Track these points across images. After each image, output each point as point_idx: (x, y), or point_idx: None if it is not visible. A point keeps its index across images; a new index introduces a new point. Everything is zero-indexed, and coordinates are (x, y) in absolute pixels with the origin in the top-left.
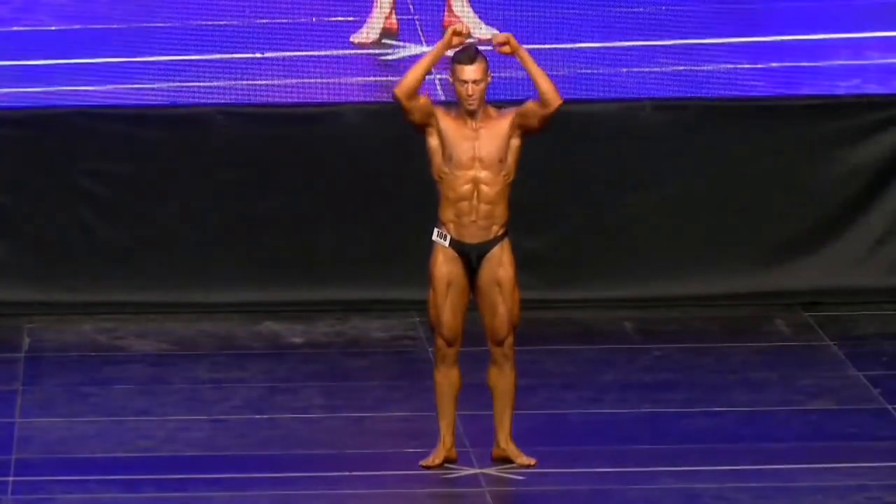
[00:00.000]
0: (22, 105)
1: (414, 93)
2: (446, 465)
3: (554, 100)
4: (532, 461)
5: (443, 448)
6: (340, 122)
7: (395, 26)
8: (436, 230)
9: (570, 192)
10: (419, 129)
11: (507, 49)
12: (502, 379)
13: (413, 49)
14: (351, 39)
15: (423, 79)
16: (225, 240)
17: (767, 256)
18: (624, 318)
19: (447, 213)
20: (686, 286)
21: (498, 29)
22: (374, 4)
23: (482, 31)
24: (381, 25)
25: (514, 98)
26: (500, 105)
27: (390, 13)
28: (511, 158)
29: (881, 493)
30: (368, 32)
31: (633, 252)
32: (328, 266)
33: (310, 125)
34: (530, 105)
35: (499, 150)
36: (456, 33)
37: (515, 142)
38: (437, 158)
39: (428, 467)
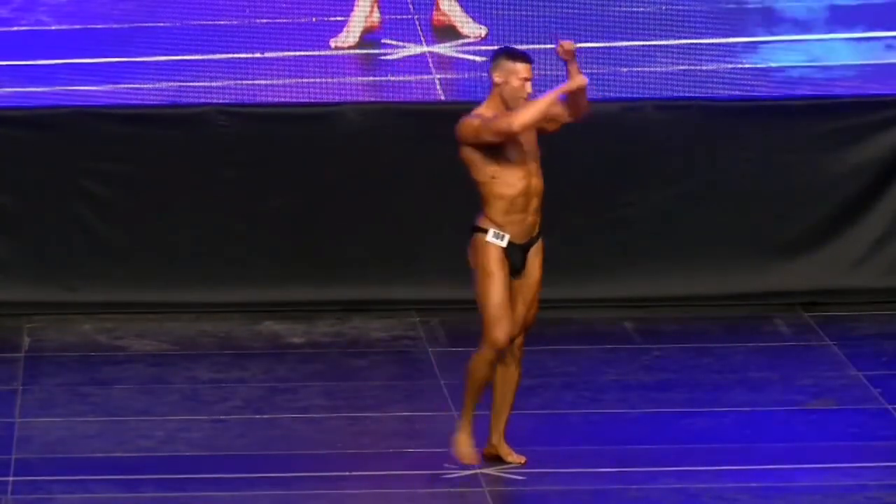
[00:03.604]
0: (22, 105)
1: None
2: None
3: (586, 117)
4: (522, 459)
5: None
6: (340, 122)
7: (377, 24)
8: (491, 231)
9: (571, 192)
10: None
11: (568, 55)
12: (507, 378)
13: (413, 49)
14: (331, 43)
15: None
16: (225, 240)
17: (767, 256)
18: (624, 318)
19: (500, 216)
20: (686, 286)
21: (488, 28)
22: (355, 4)
23: (470, 28)
24: (362, 27)
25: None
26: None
27: (371, 11)
28: None
29: (881, 493)
30: (347, 36)
31: (634, 252)
32: (328, 266)
33: (310, 125)
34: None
35: (536, 143)
36: (565, 51)
37: None
38: (484, 164)
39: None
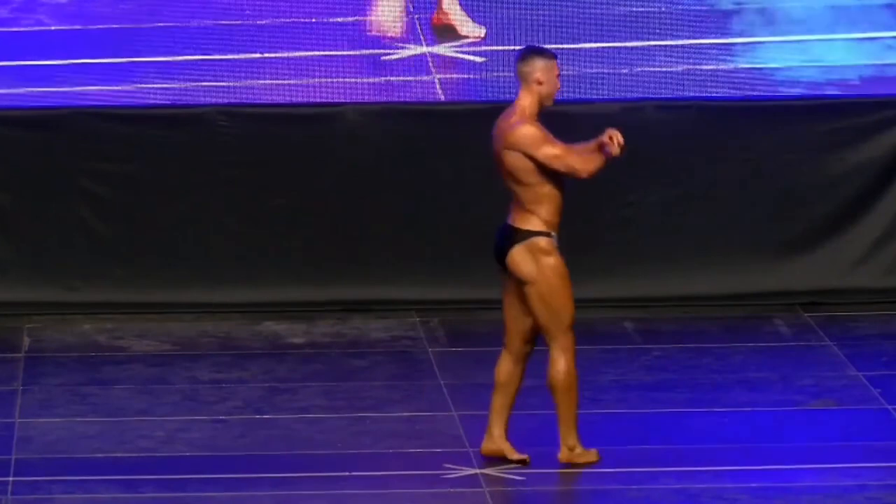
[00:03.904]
0: (22, 105)
1: None
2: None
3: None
4: (526, 457)
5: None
6: (340, 122)
7: None
8: (553, 233)
9: (571, 192)
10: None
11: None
12: (514, 377)
13: (413, 49)
14: (374, 29)
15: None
16: (225, 240)
17: (767, 256)
18: (624, 318)
19: (553, 216)
20: (686, 286)
21: (487, 28)
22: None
23: (470, 28)
24: (403, 16)
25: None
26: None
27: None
28: None
29: (881, 493)
30: (394, 24)
31: (634, 252)
32: (328, 266)
33: (310, 125)
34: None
35: None
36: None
37: None
38: (535, 168)
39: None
